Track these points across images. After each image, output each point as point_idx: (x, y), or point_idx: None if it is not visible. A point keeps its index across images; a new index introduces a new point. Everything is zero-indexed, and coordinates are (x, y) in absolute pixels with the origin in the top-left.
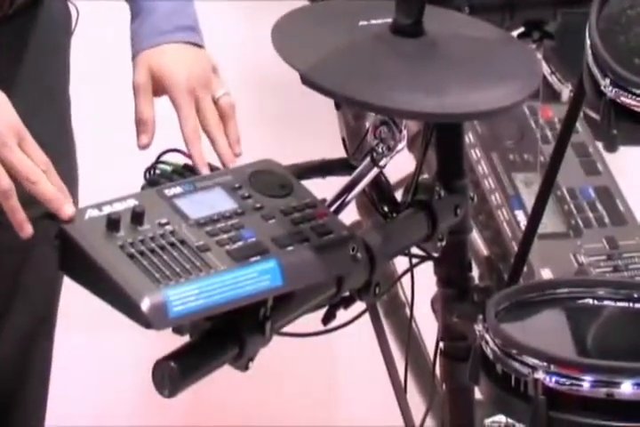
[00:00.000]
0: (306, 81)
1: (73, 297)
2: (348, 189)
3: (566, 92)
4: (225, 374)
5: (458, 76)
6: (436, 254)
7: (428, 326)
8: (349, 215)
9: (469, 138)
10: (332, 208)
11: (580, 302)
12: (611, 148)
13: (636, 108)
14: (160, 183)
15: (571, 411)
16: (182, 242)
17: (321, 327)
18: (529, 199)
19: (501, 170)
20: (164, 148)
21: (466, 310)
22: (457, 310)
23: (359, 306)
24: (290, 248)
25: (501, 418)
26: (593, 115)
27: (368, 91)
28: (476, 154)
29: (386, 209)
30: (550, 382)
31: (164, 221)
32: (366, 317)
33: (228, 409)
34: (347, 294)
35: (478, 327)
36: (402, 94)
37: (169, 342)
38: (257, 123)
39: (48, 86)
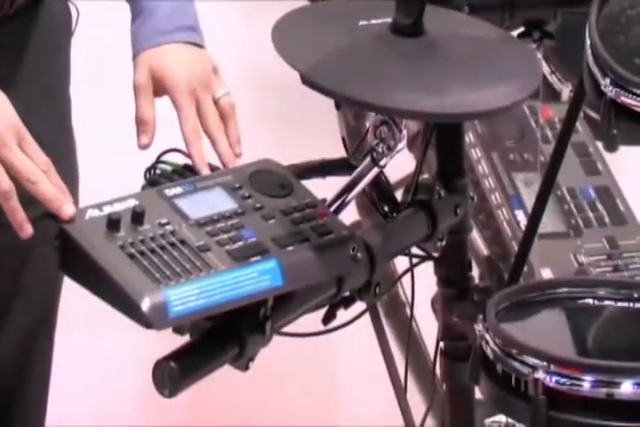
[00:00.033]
0: (306, 81)
1: (73, 297)
2: (348, 188)
3: (566, 91)
4: (225, 374)
5: (458, 76)
6: (436, 254)
7: (428, 326)
8: (349, 215)
9: (469, 137)
10: (333, 208)
11: (581, 301)
12: (611, 147)
13: (636, 108)
14: (160, 183)
15: (571, 411)
16: (182, 242)
17: (321, 327)
18: (529, 199)
19: (501, 170)
20: (165, 148)
21: (466, 310)
22: (457, 309)
23: (359, 306)
24: (290, 248)
25: (501, 418)
26: (593, 114)
27: (368, 91)
28: (476, 153)
29: (386, 209)
30: (550, 381)
31: (164, 221)
32: (366, 317)
33: (229, 409)
34: (347, 293)
35: (478, 327)
36: (402, 94)
37: (169, 341)
38: (257, 123)
39: (48, 86)
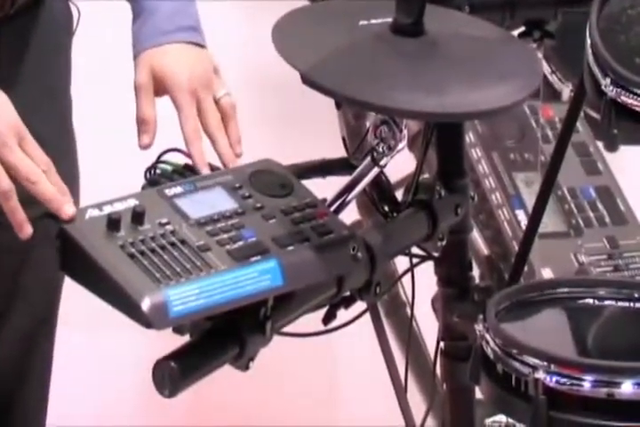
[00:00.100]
0: (306, 81)
1: (73, 297)
2: (348, 188)
3: (567, 91)
4: (225, 374)
5: (458, 76)
6: (436, 254)
7: (428, 326)
8: (350, 215)
9: (470, 137)
10: (333, 208)
11: (581, 301)
12: (611, 147)
13: (636, 108)
14: (160, 183)
15: (571, 411)
16: (183, 242)
17: (321, 327)
18: (529, 199)
19: (502, 169)
20: (165, 147)
21: (466, 310)
22: (457, 309)
23: (360, 306)
24: (290, 248)
25: (502, 418)
26: (593, 114)
27: (368, 90)
28: (476, 153)
29: (386, 209)
30: (551, 381)
31: (164, 220)
32: (367, 316)
33: (229, 409)
34: (347, 293)
35: (479, 327)
36: (402, 94)
37: (169, 341)
38: (258, 123)
39: (49, 86)
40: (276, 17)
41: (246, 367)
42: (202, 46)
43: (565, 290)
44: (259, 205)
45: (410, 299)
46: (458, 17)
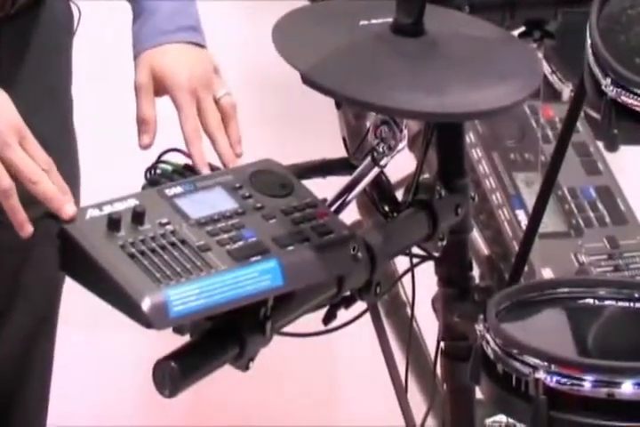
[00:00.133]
0: (307, 81)
1: (73, 297)
2: (348, 188)
3: (567, 91)
4: (225, 374)
5: (458, 76)
6: (436, 254)
7: (428, 326)
8: (350, 215)
9: (470, 137)
10: (333, 208)
11: (581, 301)
12: (611, 147)
13: (636, 108)
14: (161, 183)
15: (572, 411)
16: (183, 242)
17: (321, 327)
18: (530, 199)
19: (502, 169)
20: (165, 147)
21: (467, 310)
22: (458, 309)
23: (360, 306)
24: (290, 248)
25: (502, 418)
26: (594, 114)
27: (369, 90)
28: (476, 153)
29: (386, 209)
30: (551, 381)
31: (164, 220)
32: (367, 316)
33: (229, 409)
34: (347, 293)
35: (479, 327)
36: (402, 94)
37: (169, 341)
38: (258, 123)
39: (50, 86)
40: (276, 17)
41: (246, 367)
42: (202, 46)
43: (566, 290)
44: (259, 205)
45: (410, 299)
46: (458, 17)
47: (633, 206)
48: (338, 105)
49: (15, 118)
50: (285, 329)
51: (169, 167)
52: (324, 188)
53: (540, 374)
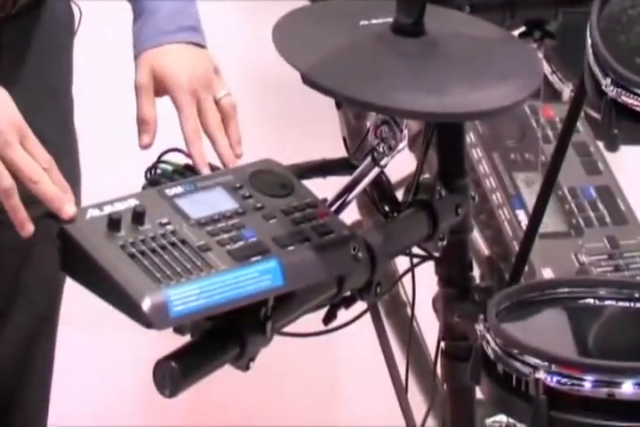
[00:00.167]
0: (307, 81)
1: (74, 297)
2: (348, 188)
3: (567, 91)
4: (226, 374)
5: (459, 76)
6: (436, 254)
7: (429, 326)
8: (350, 215)
9: (470, 137)
10: (333, 208)
11: (582, 301)
12: (612, 147)
13: (636, 108)
14: (161, 183)
15: (572, 411)
16: (183, 242)
17: (322, 327)
18: (530, 199)
19: (502, 169)
20: (165, 147)
21: (467, 310)
22: (458, 309)
23: (360, 306)
24: (291, 248)
25: (502, 418)
26: (594, 114)
27: (369, 90)
28: (477, 153)
29: (387, 209)
30: (551, 381)
31: (164, 220)
32: (367, 316)
33: (229, 409)
34: (348, 293)
35: (479, 327)
36: (403, 94)
37: (170, 341)
38: (258, 123)
39: (51, 86)
40: (276, 17)
41: (247, 367)
42: (202, 46)
43: (566, 290)
44: (259, 205)
45: (410, 299)
46: (458, 17)
47: (633, 206)
48: (338, 105)
49: (16, 117)
50: (286, 329)
51: (169, 167)
52: (324, 188)
53: (541, 374)
